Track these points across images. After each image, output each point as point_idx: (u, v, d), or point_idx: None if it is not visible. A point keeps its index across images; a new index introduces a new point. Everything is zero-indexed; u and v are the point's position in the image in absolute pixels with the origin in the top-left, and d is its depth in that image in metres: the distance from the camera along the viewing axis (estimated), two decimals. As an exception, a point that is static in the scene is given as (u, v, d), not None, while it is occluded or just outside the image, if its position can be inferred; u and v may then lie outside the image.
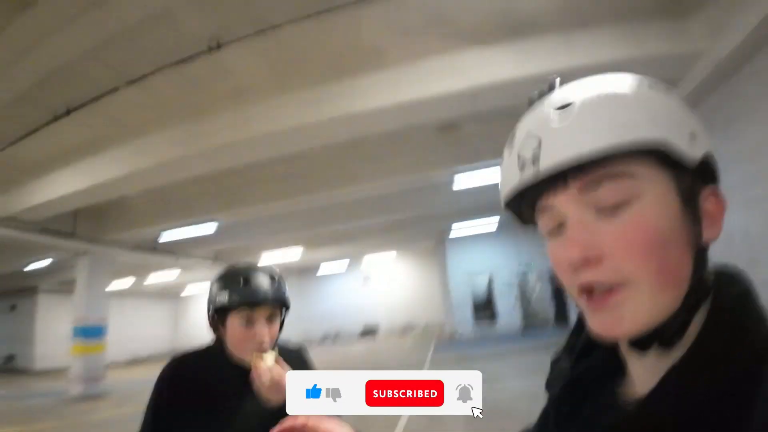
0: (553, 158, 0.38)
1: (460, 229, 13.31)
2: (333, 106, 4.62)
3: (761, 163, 4.03)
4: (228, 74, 4.53)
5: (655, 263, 0.37)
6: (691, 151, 0.38)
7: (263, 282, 1.15)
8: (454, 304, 14.56)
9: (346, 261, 18.66)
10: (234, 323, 1.13)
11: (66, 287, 14.42)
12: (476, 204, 10.39)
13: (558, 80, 0.44)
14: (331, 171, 7.36)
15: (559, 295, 13.15)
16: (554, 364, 0.53)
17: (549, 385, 0.53)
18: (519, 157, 0.41)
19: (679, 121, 0.39)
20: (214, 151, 5.26)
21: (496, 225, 12.91)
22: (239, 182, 7.74)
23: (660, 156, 0.37)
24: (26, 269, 11.92)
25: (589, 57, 4.05)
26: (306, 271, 19.07)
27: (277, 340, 1.21)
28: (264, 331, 1.13)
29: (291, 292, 1.22)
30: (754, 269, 4.16)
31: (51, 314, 14.90)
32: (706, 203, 0.40)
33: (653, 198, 0.38)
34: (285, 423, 0.56)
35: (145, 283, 15.97)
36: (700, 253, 0.39)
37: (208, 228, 8.89)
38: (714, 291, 0.40)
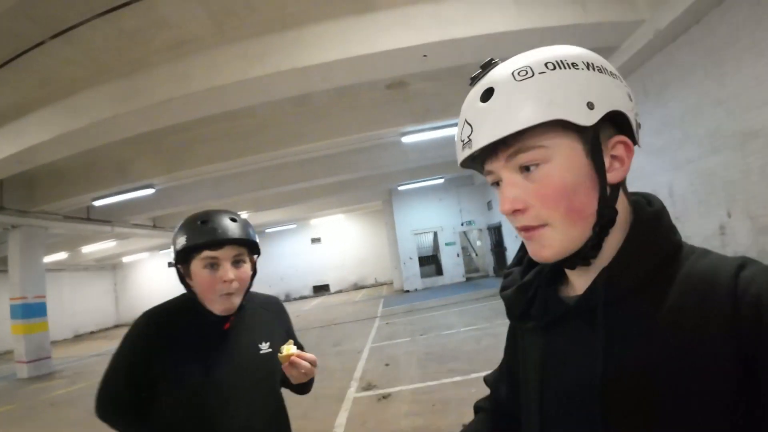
0: (480, 141, 0.50)
1: (406, 187, 13.63)
2: (278, 59, 4.38)
3: (688, 128, 4.37)
4: (164, 24, 4.12)
5: (563, 208, 0.48)
6: (588, 117, 0.47)
7: (223, 221, 1.04)
8: (402, 261, 15.12)
9: (293, 225, 18.47)
10: (198, 268, 1.03)
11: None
12: (423, 164, 10.62)
13: (493, 60, 0.54)
14: (276, 130, 7.07)
15: (498, 248, 14.05)
16: (506, 276, 0.64)
17: (503, 289, 0.63)
18: (461, 138, 0.53)
19: (576, 97, 0.47)
20: (150, 109, 4.84)
21: (441, 182, 13.46)
22: (178, 143, 7.23)
23: (563, 125, 0.47)
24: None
25: (538, 20, 4.18)
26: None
27: (249, 287, 1.12)
28: (229, 273, 1.02)
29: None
30: (676, 226, 4.71)
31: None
32: (615, 150, 0.50)
33: (560, 159, 0.48)
34: None
35: (83, 251, 14.82)
36: (612, 190, 0.50)
37: (146, 193, 8.31)
38: (634, 212, 0.52)
